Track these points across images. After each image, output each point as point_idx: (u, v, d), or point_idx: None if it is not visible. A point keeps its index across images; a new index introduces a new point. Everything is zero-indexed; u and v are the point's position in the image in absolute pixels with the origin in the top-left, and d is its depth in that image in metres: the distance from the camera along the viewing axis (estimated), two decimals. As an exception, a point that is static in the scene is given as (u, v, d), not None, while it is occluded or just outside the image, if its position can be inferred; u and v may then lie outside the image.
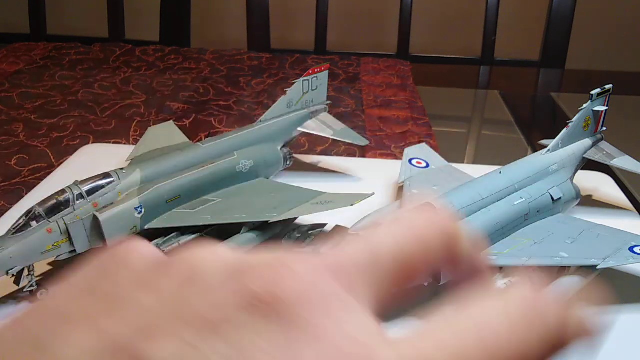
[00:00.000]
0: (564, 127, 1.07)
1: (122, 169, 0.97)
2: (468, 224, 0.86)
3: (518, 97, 1.92)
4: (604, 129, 1.14)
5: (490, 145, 1.64)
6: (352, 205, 0.98)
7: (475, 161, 1.48)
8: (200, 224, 0.95)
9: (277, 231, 1.01)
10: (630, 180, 1.32)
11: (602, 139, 1.15)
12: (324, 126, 1.27)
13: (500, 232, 0.89)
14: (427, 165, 1.15)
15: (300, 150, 1.43)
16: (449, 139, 1.58)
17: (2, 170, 1.29)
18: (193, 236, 0.96)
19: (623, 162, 1.13)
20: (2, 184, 1.23)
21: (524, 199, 0.94)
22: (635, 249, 0.86)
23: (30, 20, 2.40)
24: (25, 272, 0.85)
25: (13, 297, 0.87)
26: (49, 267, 0.94)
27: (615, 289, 0.92)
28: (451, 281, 0.30)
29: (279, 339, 0.16)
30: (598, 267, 0.84)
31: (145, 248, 0.22)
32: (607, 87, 1.09)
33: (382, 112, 1.67)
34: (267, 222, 0.98)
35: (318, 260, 0.21)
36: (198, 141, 1.12)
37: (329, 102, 1.30)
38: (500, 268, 0.86)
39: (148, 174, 0.99)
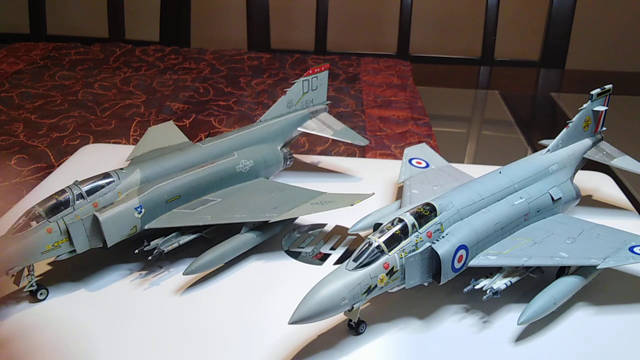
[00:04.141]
0: (564, 127, 1.07)
1: (122, 169, 0.97)
2: (468, 223, 0.86)
3: (518, 97, 1.92)
4: (604, 129, 1.14)
5: (490, 145, 1.64)
6: (352, 205, 0.98)
7: (475, 161, 1.49)
8: (200, 224, 0.96)
9: (277, 231, 1.01)
10: (630, 180, 1.32)
11: (602, 139, 1.15)
12: (324, 126, 1.27)
13: (500, 232, 0.89)
14: (427, 165, 1.15)
15: (300, 150, 1.43)
16: (449, 139, 1.58)
17: (2, 170, 1.29)
18: (193, 236, 0.96)
19: (623, 162, 1.13)
20: (2, 184, 1.23)
21: (523, 199, 0.94)
22: (635, 249, 0.86)
23: (30, 20, 2.40)
24: (25, 272, 0.85)
25: (13, 297, 0.87)
26: (49, 267, 0.94)
27: (615, 289, 0.92)
28: None
29: None
30: (598, 267, 0.84)
31: None
32: (607, 87, 1.09)
33: (382, 112, 1.67)
34: (267, 222, 0.98)
35: None
36: (198, 141, 1.12)
37: (329, 102, 1.30)
38: (500, 268, 0.86)
39: (148, 174, 0.99)
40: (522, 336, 0.82)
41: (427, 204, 0.86)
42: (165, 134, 1.23)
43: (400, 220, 0.81)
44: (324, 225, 1.07)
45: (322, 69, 1.25)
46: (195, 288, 0.91)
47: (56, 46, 2.11)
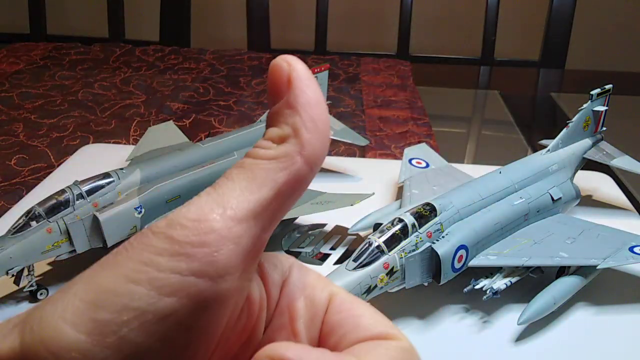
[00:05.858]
0: (564, 127, 1.07)
1: (122, 169, 0.97)
2: (468, 223, 0.86)
3: (518, 97, 1.92)
4: (604, 129, 1.14)
5: (490, 145, 1.64)
6: (352, 205, 0.98)
7: (475, 161, 1.48)
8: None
9: (277, 231, 1.01)
10: (630, 180, 1.32)
11: (602, 139, 1.15)
12: (324, 126, 1.26)
13: (500, 232, 0.89)
14: (427, 165, 1.15)
15: (300, 150, 1.42)
16: (449, 139, 1.58)
17: (2, 170, 1.29)
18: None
19: (623, 162, 1.13)
20: (2, 184, 1.23)
21: (523, 199, 0.94)
22: (635, 249, 0.86)
23: (30, 20, 2.40)
24: (25, 272, 0.85)
25: (13, 297, 0.87)
26: (49, 267, 0.94)
27: (615, 289, 0.92)
28: None
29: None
30: (598, 267, 0.84)
31: None
32: (607, 87, 1.09)
33: (382, 112, 1.67)
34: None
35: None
36: (198, 141, 1.12)
37: (329, 102, 1.30)
38: (500, 268, 0.86)
39: (148, 174, 0.98)
40: (522, 336, 0.82)
41: (427, 204, 0.86)
42: (165, 134, 1.23)
43: (400, 220, 0.81)
44: (324, 225, 1.07)
45: (322, 69, 1.25)
46: (195, 288, 0.90)
47: (56, 46, 2.11)
